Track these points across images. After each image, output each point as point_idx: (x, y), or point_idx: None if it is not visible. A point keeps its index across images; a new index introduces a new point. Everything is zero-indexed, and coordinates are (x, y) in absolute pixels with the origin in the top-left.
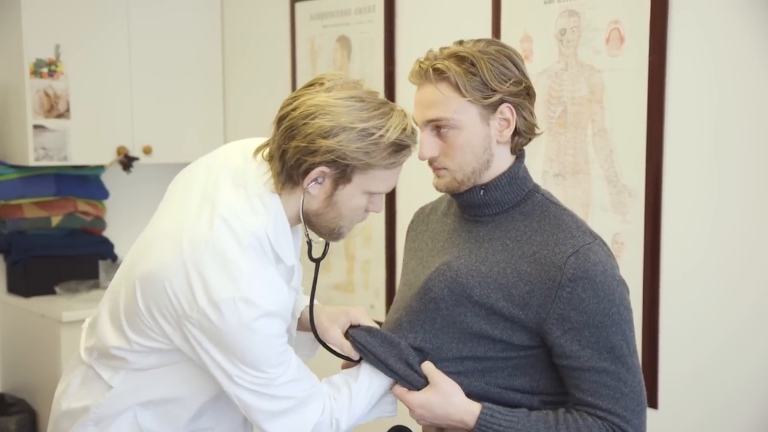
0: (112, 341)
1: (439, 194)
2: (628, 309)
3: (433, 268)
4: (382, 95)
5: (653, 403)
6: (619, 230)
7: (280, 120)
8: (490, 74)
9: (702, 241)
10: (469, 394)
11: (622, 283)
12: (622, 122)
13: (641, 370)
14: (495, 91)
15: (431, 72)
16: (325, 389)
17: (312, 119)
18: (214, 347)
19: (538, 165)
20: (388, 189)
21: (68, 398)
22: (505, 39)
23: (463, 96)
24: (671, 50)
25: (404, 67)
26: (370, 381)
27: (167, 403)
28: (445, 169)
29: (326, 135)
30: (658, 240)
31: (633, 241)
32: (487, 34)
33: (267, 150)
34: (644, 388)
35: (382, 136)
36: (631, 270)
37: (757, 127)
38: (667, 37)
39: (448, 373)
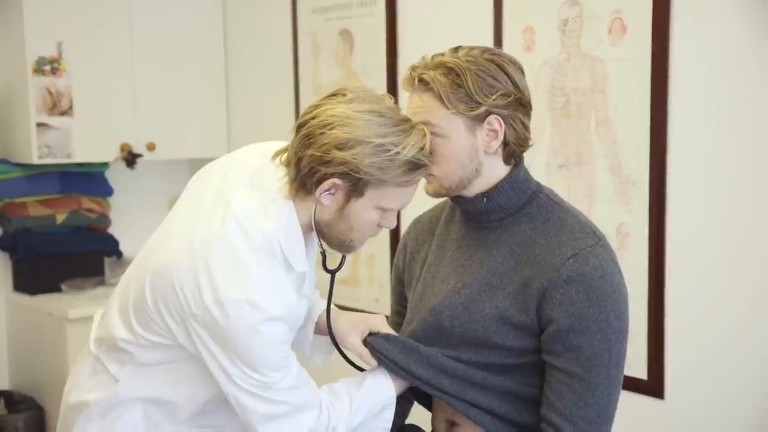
0: (120, 334)
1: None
2: (619, 318)
3: (447, 284)
4: (384, 88)
5: (660, 394)
6: (623, 221)
7: (299, 127)
8: (476, 87)
9: (707, 230)
10: (493, 388)
11: (618, 291)
12: (625, 112)
13: (620, 384)
14: (480, 103)
15: (416, 82)
16: (324, 397)
17: (329, 129)
18: (216, 346)
19: (542, 156)
20: (402, 206)
21: (77, 390)
22: (506, 30)
23: (447, 108)
24: (674, 38)
25: (407, 59)
26: (372, 392)
27: (173, 398)
28: (433, 175)
29: (341, 147)
30: (662, 230)
31: (637, 231)
32: (489, 25)
33: (285, 155)
34: (614, 402)
35: (398, 153)
36: (635, 260)
37: (761, 116)
38: (670, 26)
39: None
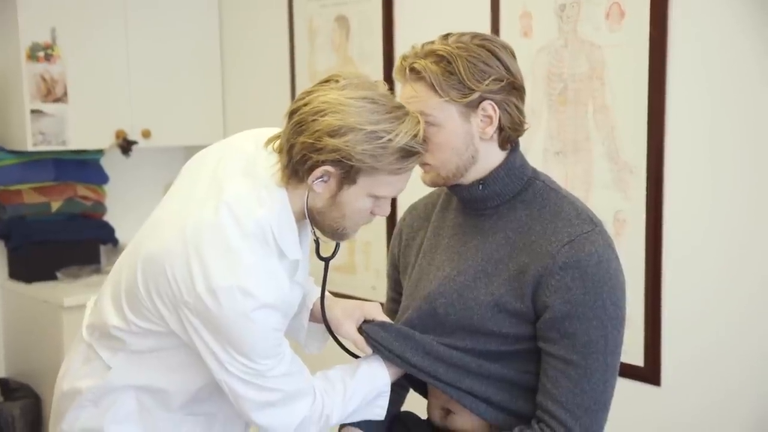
0: (112, 320)
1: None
2: (616, 305)
3: (442, 271)
4: (381, 75)
5: (656, 381)
6: (620, 208)
7: (292, 114)
8: (467, 73)
9: (704, 216)
10: (488, 375)
11: (614, 278)
12: (623, 98)
13: (616, 371)
14: (473, 90)
15: (408, 72)
16: (318, 384)
17: (321, 116)
18: (208, 333)
19: (539, 143)
20: (395, 194)
21: (70, 378)
22: (503, 15)
23: (440, 96)
24: (672, 24)
25: (403, 45)
26: (366, 380)
27: (166, 386)
28: (429, 164)
29: (333, 134)
30: (660, 217)
31: (635, 218)
32: (486, 11)
33: (278, 142)
34: (611, 389)
35: (390, 140)
36: (633, 247)
37: (759, 102)
38: (668, 11)
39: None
